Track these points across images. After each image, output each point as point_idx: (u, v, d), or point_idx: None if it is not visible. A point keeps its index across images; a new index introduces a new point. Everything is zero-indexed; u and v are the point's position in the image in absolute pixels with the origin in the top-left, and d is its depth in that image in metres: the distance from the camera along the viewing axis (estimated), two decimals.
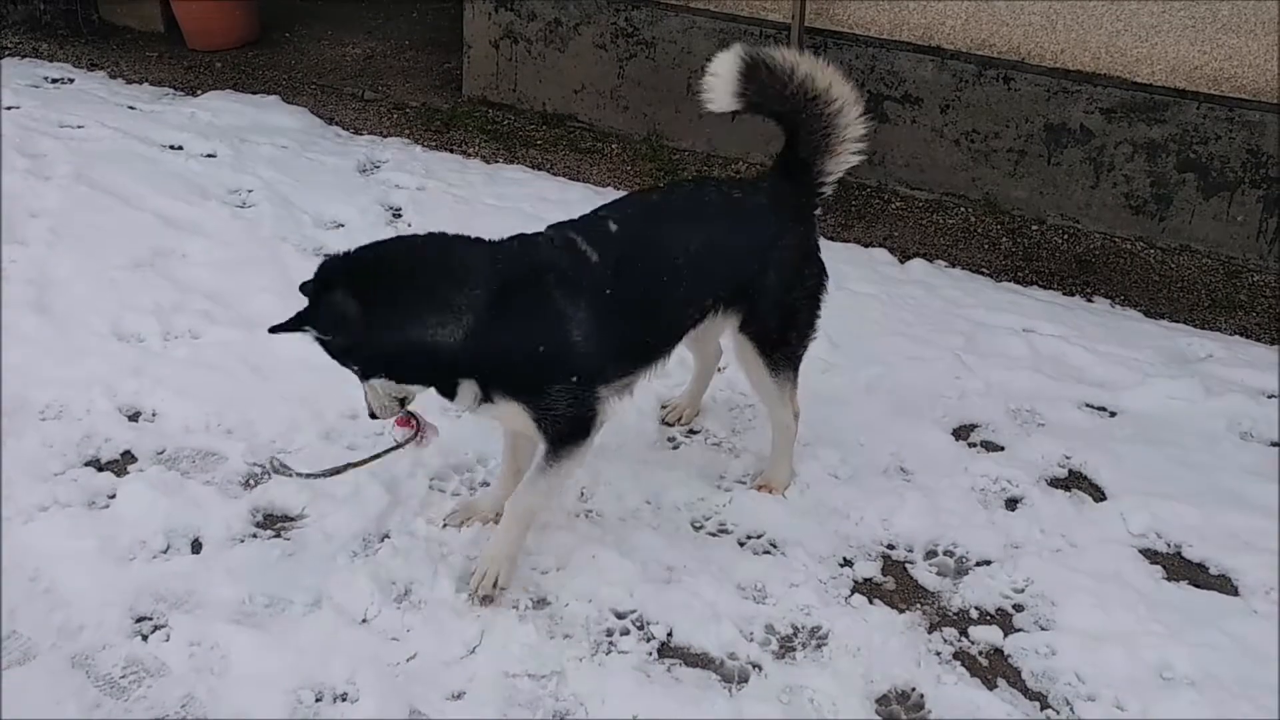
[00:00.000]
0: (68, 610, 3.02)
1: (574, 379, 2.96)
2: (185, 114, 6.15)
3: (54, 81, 6.62)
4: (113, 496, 3.42)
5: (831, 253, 5.08)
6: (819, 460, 3.77)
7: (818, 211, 3.43)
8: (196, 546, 3.29)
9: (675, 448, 3.83)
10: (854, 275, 4.97)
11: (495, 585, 3.10)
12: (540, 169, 5.88)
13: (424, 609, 3.10)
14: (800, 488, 3.65)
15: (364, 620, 3.06)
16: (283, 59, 7.15)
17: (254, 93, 6.57)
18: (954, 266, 5.21)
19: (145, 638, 2.97)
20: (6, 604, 3.02)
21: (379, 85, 6.78)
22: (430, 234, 3.03)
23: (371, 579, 3.15)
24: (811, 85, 3.19)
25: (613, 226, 3.11)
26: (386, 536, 3.35)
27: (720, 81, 3.19)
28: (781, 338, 3.36)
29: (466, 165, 5.82)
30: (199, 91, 6.58)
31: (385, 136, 6.11)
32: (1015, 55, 5.32)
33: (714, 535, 3.47)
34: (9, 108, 6.10)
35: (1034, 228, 5.48)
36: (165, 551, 3.25)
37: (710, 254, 3.19)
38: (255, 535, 3.35)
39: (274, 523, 3.41)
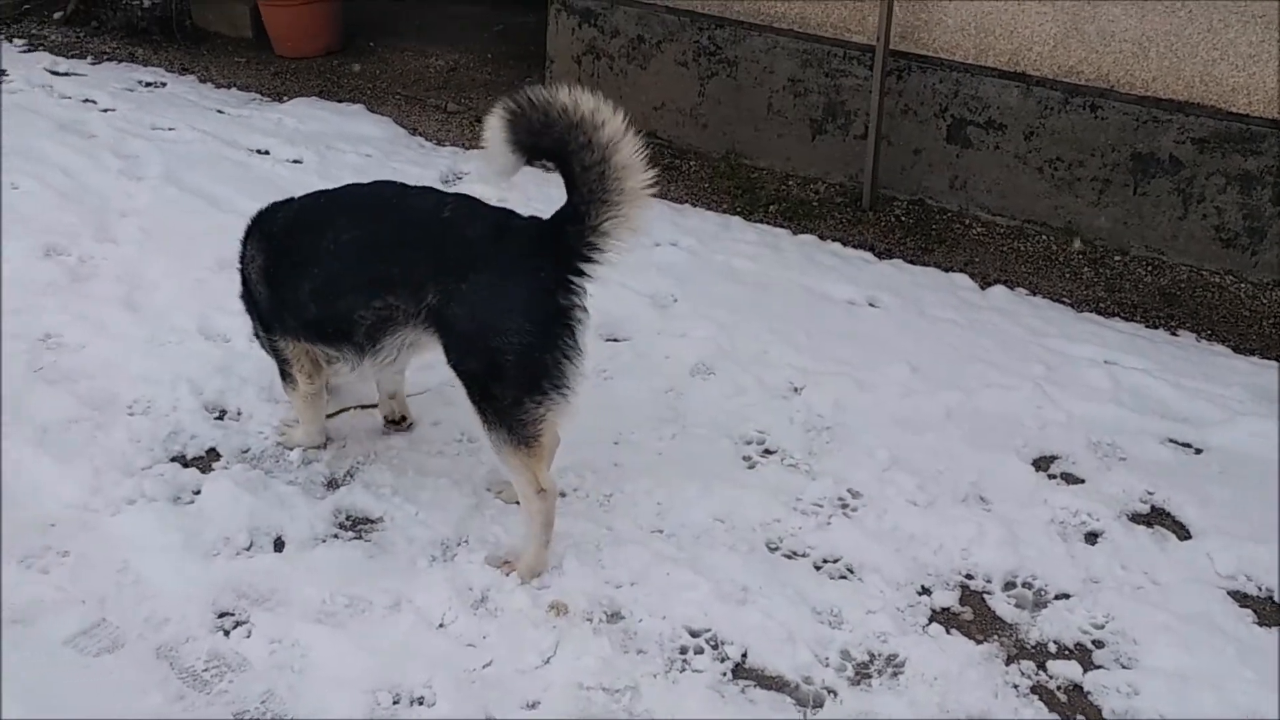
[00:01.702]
0: (154, 602, 3.08)
1: (255, 313, 3.51)
2: (272, 120, 6.28)
3: (148, 85, 6.80)
4: (198, 492, 3.49)
5: (911, 276, 5.15)
6: (897, 486, 3.73)
7: (575, 275, 3.05)
8: (279, 545, 3.33)
9: (750, 467, 3.82)
10: (934, 300, 4.94)
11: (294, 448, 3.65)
12: None
13: (500, 617, 3.12)
14: (878, 513, 3.62)
15: (441, 625, 3.08)
16: (367, 68, 7.27)
17: (339, 101, 6.69)
18: (1035, 295, 5.14)
19: (228, 633, 3.02)
20: (97, 592, 3.08)
21: (461, 97, 6.86)
22: None
23: (449, 584, 3.18)
24: (573, 111, 2.93)
25: (318, 200, 3.39)
26: (465, 542, 3.37)
27: (491, 139, 3.04)
28: (486, 388, 3.07)
29: (547, 179, 5.82)
30: (285, 98, 6.72)
31: (467, 149, 6.17)
32: (1104, 83, 5.25)
33: (789, 558, 3.44)
34: (105, 110, 6.28)
35: (1117, 258, 5.40)
36: (249, 548, 3.30)
37: (374, 251, 3.18)
38: (337, 536, 3.39)
39: (356, 524, 3.45)
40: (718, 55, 6.04)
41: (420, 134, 6.35)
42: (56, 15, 7.75)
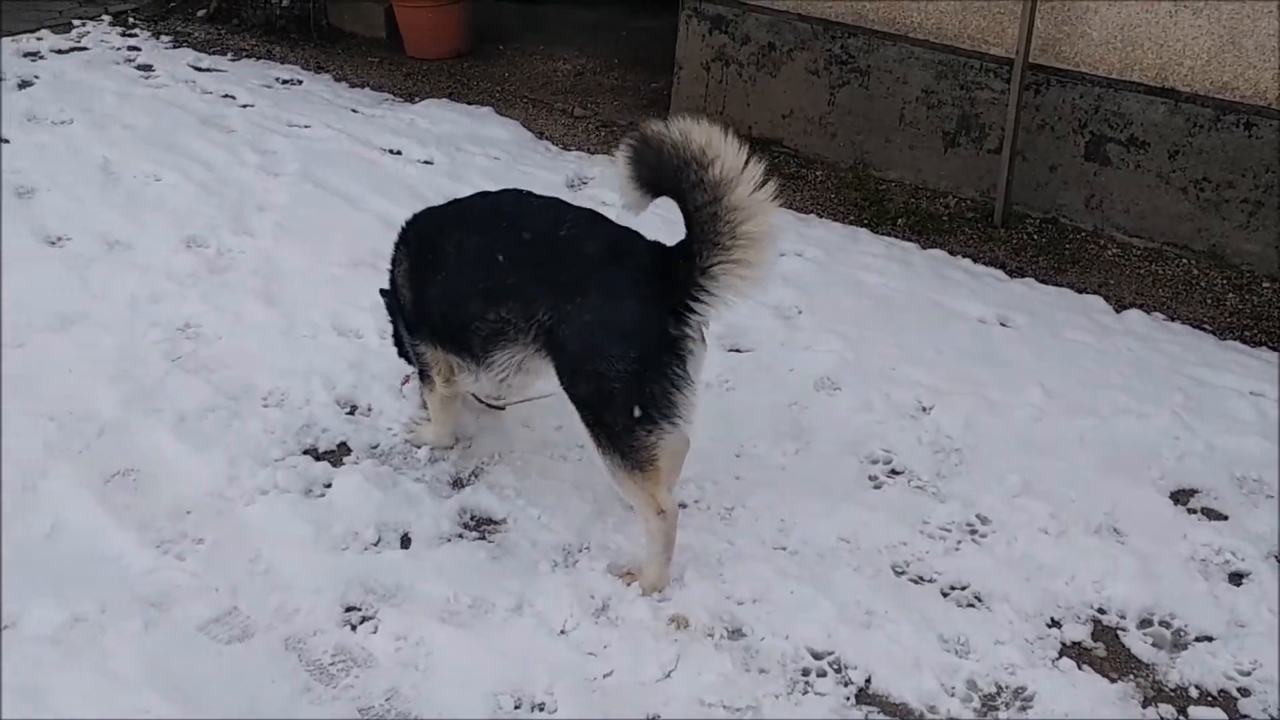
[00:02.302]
0: (284, 593, 3.13)
1: (403, 318, 3.52)
2: (404, 120, 6.38)
3: (284, 82, 6.97)
4: (328, 486, 3.54)
5: (1043, 296, 5.01)
6: (1027, 513, 3.62)
7: (687, 309, 2.94)
8: (405, 541, 3.37)
9: (877, 487, 3.74)
10: (1067, 322, 4.79)
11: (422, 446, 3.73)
12: None
13: (621, 626, 3.10)
14: (1008, 540, 3.51)
15: (563, 631, 3.07)
16: (496, 71, 7.34)
17: (469, 103, 6.76)
18: (1173, 320, 4.96)
19: (354, 627, 3.06)
20: (229, 580, 3.16)
21: (588, 102, 6.88)
22: None
23: (571, 590, 3.17)
24: (683, 147, 2.80)
25: (451, 208, 3.45)
26: (586, 549, 3.37)
27: (619, 176, 2.98)
28: (597, 414, 3.03)
29: None
30: (417, 99, 6.82)
31: (592, 153, 6.20)
32: (1261, 100, 5.03)
33: (915, 582, 3.36)
34: (244, 105, 6.46)
35: (1265, 285, 5.17)
36: (376, 544, 3.34)
37: (490, 262, 3.16)
38: (462, 535, 3.41)
39: (480, 524, 3.47)
40: (850, 64, 5.95)
41: (547, 138, 6.38)
42: (200, 13, 8.00)
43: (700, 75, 6.43)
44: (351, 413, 3.90)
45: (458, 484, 3.62)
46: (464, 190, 5.40)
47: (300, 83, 7.00)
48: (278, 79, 7.02)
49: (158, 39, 7.57)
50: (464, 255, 3.25)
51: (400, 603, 3.13)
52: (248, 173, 5.61)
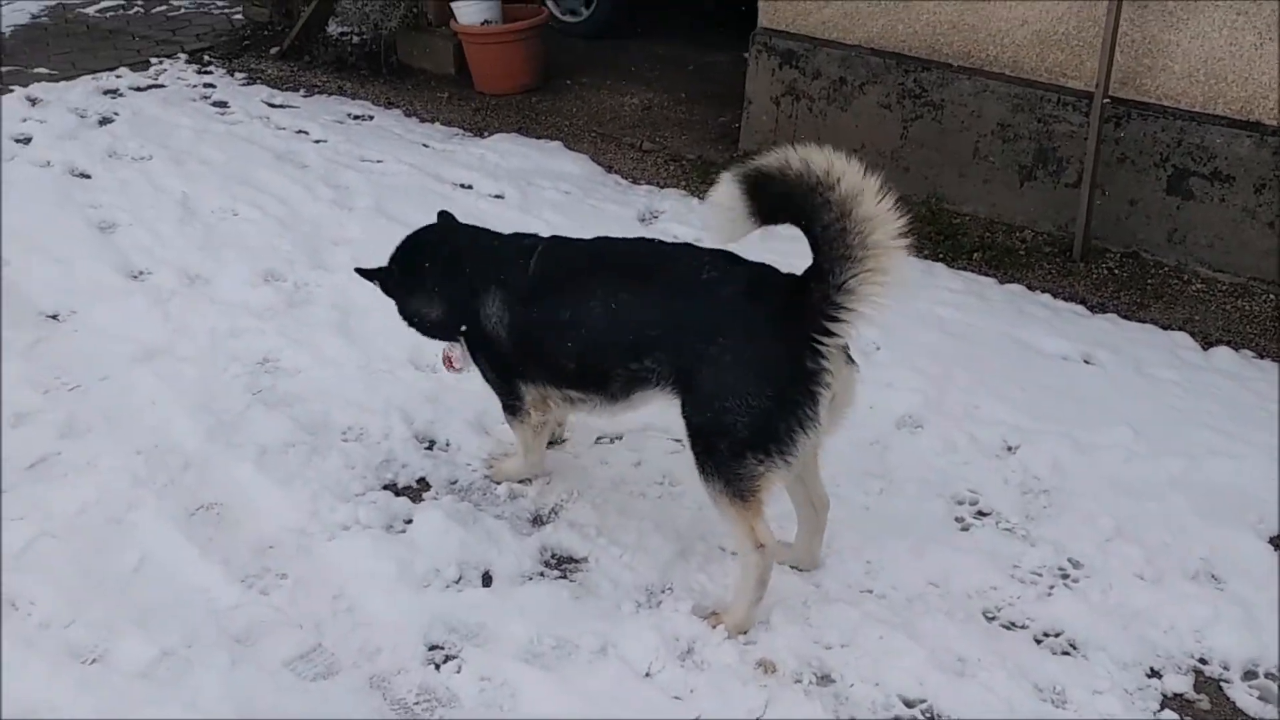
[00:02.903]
0: (368, 630, 3.11)
1: (490, 358, 3.49)
2: (475, 155, 6.41)
3: (356, 118, 7.05)
4: (409, 522, 3.53)
5: (1126, 332, 4.90)
6: (1121, 557, 3.52)
7: (824, 334, 2.91)
8: (487, 580, 3.34)
9: (964, 529, 3.65)
10: (1152, 359, 4.67)
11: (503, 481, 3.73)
12: None
13: (707, 671, 3.04)
14: (1102, 586, 3.41)
15: (648, 674, 3.02)
16: (565, 105, 7.37)
17: (538, 137, 6.79)
18: (1262, 358, 4.82)
19: (438, 667, 3.03)
20: (314, 617, 3.15)
21: (656, 136, 6.88)
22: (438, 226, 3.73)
23: (656, 632, 3.12)
24: (809, 172, 2.82)
25: (572, 250, 3.41)
26: (669, 589, 3.32)
27: (726, 210, 2.96)
28: (710, 441, 3.02)
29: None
30: (486, 133, 6.86)
31: (662, 187, 6.18)
32: None
33: (1007, 628, 3.27)
34: (318, 141, 6.54)
35: None
36: (458, 582, 3.31)
37: (639, 316, 3.14)
38: (543, 574, 3.38)
39: (561, 563, 3.44)
40: (923, 98, 5.90)
41: (616, 171, 6.38)
42: (273, 50, 8.13)
43: (770, 109, 6.41)
44: (430, 448, 3.90)
45: (538, 521, 3.59)
46: (535, 224, 5.45)
47: (371, 118, 7.08)
48: (349, 115, 7.10)
49: (232, 76, 7.71)
50: (610, 308, 3.19)
51: (483, 642, 3.10)
52: (322, 207, 5.67)
